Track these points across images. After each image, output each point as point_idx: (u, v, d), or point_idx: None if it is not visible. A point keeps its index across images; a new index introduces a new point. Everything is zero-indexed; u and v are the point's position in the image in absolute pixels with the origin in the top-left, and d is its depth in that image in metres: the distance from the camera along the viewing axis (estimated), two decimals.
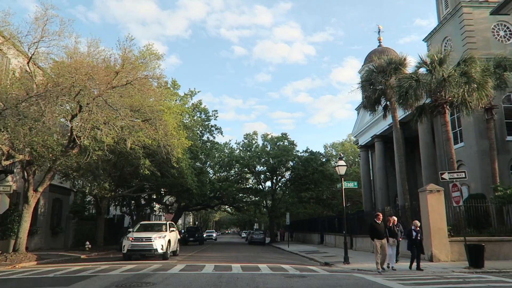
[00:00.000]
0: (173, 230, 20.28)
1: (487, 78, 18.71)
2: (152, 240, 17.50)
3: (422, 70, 20.69)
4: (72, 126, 16.01)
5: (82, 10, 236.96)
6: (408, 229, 13.91)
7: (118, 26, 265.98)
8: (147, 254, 17.66)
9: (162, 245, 17.65)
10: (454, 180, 14.76)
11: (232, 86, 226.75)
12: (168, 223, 20.74)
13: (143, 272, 11.96)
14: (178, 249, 21.38)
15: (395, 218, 14.71)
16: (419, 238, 13.22)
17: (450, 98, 18.97)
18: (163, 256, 17.75)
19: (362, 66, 40.10)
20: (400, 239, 14.07)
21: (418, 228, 13.53)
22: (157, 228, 19.88)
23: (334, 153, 61.39)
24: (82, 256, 20.16)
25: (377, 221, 13.06)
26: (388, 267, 13.22)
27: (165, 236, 18.26)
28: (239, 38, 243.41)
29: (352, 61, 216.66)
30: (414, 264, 13.34)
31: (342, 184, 17.46)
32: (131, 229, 20.36)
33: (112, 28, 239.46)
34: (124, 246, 17.72)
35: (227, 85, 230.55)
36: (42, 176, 19.32)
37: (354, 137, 45.59)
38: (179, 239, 22.25)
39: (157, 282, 9.54)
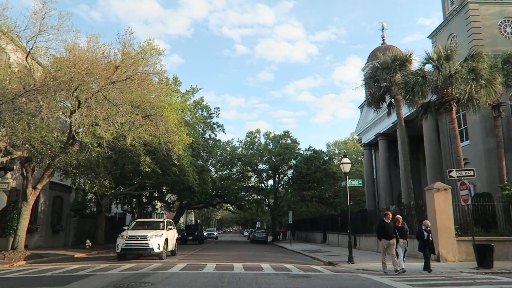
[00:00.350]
0: (170, 228, 19.27)
1: (495, 74, 18.29)
2: (148, 239, 16.46)
3: (428, 67, 20.31)
4: (71, 122, 15.71)
5: (85, 8, 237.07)
6: (419, 229, 13.37)
7: (121, 25, 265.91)
8: (143, 253, 16.68)
9: (158, 244, 16.64)
10: (462, 178, 14.40)
11: (234, 85, 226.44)
12: (165, 220, 19.69)
13: (143, 271, 11.65)
14: (176, 248, 20.41)
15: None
16: (430, 238, 12.72)
17: (457, 95, 18.58)
18: (160, 256, 16.75)
19: (366, 63, 39.69)
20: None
21: (429, 228, 12.99)
22: (153, 225, 18.82)
23: (337, 151, 61.04)
24: (76, 255, 19.61)
25: (386, 221, 12.50)
26: (402, 269, 12.38)
27: (162, 234, 17.23)
28: (241, 37, 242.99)
29: (355, 60, 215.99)
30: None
31: (346, 182, 17.10)
32: (125, 227, 19.06)
33: (115, 27, 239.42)
34: (118, 245, 16.71)
35: (229, 84, 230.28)
36: (41, 173, 19.05)
37: (357, 135, 45.18)
38: (177, 238, 21.13)
39: (157, 282, 9.22)
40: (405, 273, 12.03)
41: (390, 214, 12.79)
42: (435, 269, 12.81)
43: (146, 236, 16.56)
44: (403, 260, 12.86)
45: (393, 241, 12.32)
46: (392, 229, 12.45)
